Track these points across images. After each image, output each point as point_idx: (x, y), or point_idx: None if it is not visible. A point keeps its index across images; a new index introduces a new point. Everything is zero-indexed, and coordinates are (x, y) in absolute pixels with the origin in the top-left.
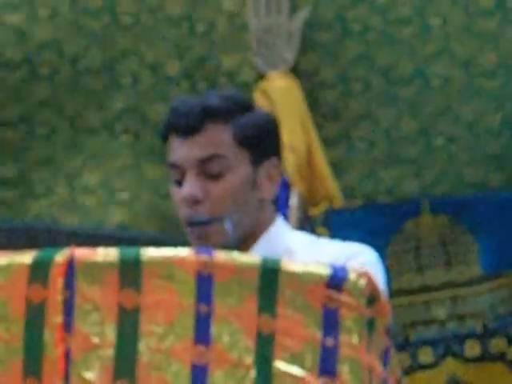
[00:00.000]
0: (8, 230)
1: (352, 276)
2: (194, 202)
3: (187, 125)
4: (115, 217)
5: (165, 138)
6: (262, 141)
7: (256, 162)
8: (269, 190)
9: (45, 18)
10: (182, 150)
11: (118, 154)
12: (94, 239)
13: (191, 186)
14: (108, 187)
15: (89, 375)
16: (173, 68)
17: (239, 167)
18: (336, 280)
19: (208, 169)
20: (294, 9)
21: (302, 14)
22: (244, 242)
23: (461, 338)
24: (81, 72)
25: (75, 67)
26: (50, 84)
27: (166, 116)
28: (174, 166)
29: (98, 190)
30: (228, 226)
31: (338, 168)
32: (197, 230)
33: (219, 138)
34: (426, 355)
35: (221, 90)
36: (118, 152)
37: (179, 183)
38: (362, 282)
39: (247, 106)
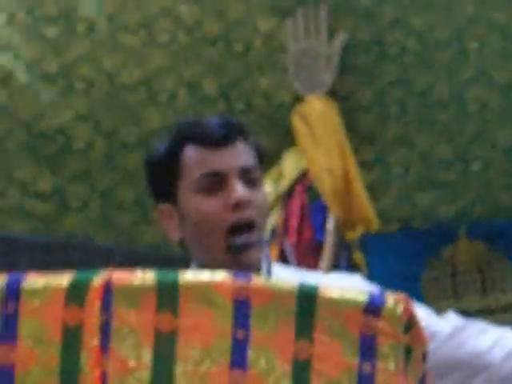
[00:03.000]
0: (43, 244)
1: (389, 302)
2: (246, 205)
3: (224, 135)
4: (148, 235)
5: (175, 153)
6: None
7: None
8: None
9: (82, 33)
10: (221, 159)
11: None
12: (127, 258)
13: (241, 189)
14: (141, 205)
15: None
16: (209, 87)
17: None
18: (373, 306)
19: (248, 176)
20: (331, 32)
21: (341, 38)
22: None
23: None
24: (118, 87)
25: (112, 82)
26: (87, 98)
27: (184, 130)
28: (213, 174)
29: (131, 207)
30: (266, 249)
31: (373, 191)
32: (248, 237)
33: (250, 152)
34: None
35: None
36: None
37: (212, 192)
38: (400, 308)
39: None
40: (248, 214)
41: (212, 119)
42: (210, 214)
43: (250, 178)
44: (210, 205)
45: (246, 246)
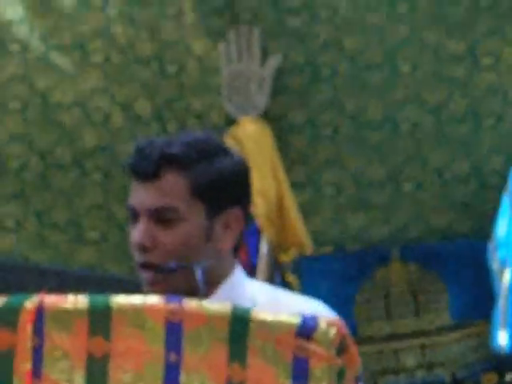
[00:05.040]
0: None
1: (322, 325)
2: (143, 249)
3: (144, 170)
4: (83, 256)
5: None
6: (219, 192)
7: (212, 214)
8: (226, 241)
9: (15, 53)
10: (138, 195)
11: (88, 192)
12: (62, 278)
13: (141, 233)
14: (77, 225)
15: None
16: (143, 108)
17: (192, 218)
18: (306, 329)
19: (159, 216)
20: (264, 54)
21: (274, 61)
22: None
23: None
24: (52, 107)
25: (46, 102)
26: (21, 118)
27: (130, 156)
28: (130, 209)
29: (67, 227)
30: (199, 274)
31: (305, 212)
32: (151, 276)
33: (174, 187)
34: None
35: (193, 131)
36: (88, 190)
37: (133, 224)
38: (332, 331)
39: (211, 154)
40: (148, 256)
41: (144, 148)
42: (131, 245)
43: (163, 219)
44: (131, 237)
45: (150, 284)
